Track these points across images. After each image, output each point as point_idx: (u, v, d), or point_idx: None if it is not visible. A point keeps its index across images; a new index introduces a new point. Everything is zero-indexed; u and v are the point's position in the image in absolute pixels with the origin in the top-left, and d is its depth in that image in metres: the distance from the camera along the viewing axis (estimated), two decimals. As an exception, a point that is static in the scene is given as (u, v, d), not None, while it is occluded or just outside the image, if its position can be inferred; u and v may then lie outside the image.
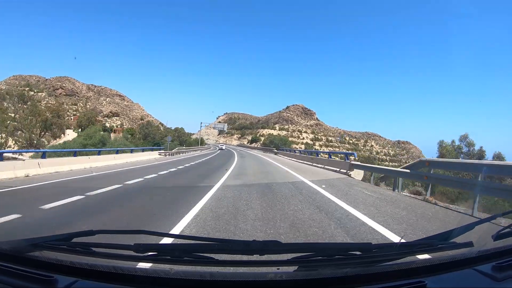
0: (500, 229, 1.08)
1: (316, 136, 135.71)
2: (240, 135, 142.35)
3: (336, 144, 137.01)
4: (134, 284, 0.89)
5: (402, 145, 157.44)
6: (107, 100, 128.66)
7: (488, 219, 1.24)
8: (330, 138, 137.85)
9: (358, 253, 1.00)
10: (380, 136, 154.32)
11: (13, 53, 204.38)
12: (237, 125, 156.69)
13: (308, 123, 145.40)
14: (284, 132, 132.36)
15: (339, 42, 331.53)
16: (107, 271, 0.91)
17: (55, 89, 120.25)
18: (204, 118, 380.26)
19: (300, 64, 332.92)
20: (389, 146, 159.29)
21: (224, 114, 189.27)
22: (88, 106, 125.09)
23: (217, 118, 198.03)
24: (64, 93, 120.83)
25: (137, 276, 0.91)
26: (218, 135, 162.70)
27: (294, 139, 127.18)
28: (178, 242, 1.18)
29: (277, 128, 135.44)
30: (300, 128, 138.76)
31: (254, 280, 0.92)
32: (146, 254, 0.96)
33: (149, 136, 63.61)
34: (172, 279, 0.89)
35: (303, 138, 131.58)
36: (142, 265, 1.14)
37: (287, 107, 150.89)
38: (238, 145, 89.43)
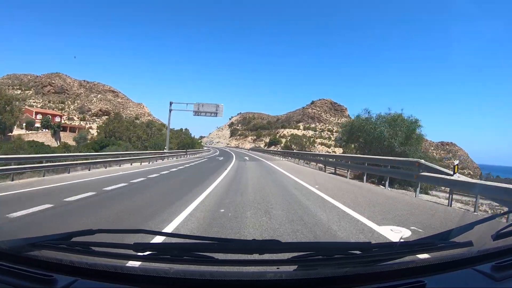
0: (500, 229, 1.09)
1: None
2: (255, 137, 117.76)
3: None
4: (134, 283, 0.90)
5: (447, 147, 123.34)
6: (98, 96, 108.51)
7: (487, 219, 1.25)
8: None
9: (357, 252, 1.01)
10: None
11: (8, 52, 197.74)
12: (252, 126, 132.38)
13: (339, 121, 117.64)
14: (310, 132, 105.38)
15: (367, 36, 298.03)
16: (107, 270, 0.92)
17: (43, 86, 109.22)
18: (218, 120, 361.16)
19: (325, 55, 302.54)
20: (432, 148, 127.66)
21: (238, 114, 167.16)
22: (76, 104, 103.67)
23: (230, 119, 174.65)
24: (53, 91, 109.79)
25: (136, 275, 0.92)
26: (230, 137, 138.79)
27: (324, 141, 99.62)
28: (178, 241, 1.21)
29: (301, 127, 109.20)
30: (330, 126, 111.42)
31: (254, 279, 0.93)
32: (145, 253, 0.97)
33: (114, 135, 40.49)
34: (172, 278, 0.89)
35: (335, 139, 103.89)
36: (142, 264, 1.17)
37: (312, 102, 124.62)
38: (252, 149, 65.22)
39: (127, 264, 1.01)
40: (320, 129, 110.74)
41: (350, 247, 1.13)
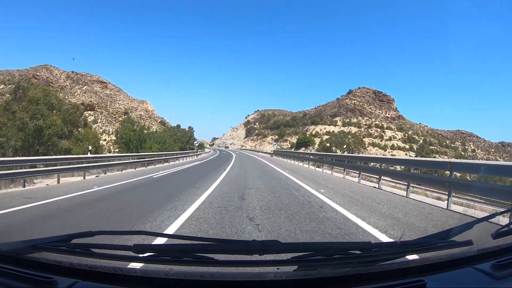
0: (500, 228, 1.10)
1: (407, 134, 78.86)
2: (277, 136, 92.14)
3: (438, 149, 79.93)
4: (134, 285, 0.92)
5: (508, 148, 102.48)
6: (84, 88, 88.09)
7: (487, 218, 1.27)
8: (428, 139, 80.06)
9: (357, 252, 1.02)
10: (477, 136, 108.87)
11: (6, 49, 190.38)
12: (272, 123, 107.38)
13: (387, 115, 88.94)
14: (353, 129, 77.16)
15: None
16: (107, 272, 0.93)
17: (27, 79, 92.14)
18: (232, 120, 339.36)
19: (358, 39, 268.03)
20: (492, 150, 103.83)
21: (255, 112, 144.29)
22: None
23: (246, 117, 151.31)
24: (37, 84, 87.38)
25: (137, 277, 0.93)
26: (246, 137, 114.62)
27: (376, 141, 71.33)
28: (177, 242, 1.22)
29: (339, 122, 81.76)
30: (377, 121, 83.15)
31: (254, 280, 0.94)
32: (145, 254, 0.98)
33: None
34: (172, 279, 0.90)
35: (390, 139, 75.74)
36: (142, 265, 1.18)
37: (350, 92, 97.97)
38: (278, 153, 37.53)
39: (127, 266, 1.02)
40: (366, 124, 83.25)
41: (350, 247, 1.14)
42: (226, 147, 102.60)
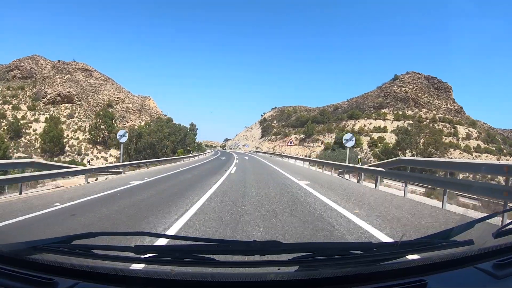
0: (501, 227, 1.12)
1: (481, 134, 56.93)
2: (303, 135, 72.17)
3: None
4: (135, 285, 0.93)
5: None
6: (65, 77, 71.38)
7: (488, 217, 1.29)
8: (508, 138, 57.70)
9: (358, 252, 1.04)
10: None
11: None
12: (295, 120, 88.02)
13: (449, 106, 66.74)
14: (412, 124, 55.57)
15: None
16: (108, 273, 0.94)
17: (10, 70, 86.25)
18: (246, 120, 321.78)
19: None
20: None
21: (273, 109, 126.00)
22: (33, 89, 76.92)
23: (261, 115, 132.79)
24: (20, 75, 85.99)
25: (138, 278, 0.95)
26: (261, 138, 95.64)
27: (451, 141, 49.48)
28: (178, 243, 1.25)
29: (389, 116, 60.54)
30: (440, 114, 61.36)
31: (255, 280, 0.95)
32: (146, 255, 0.99)
33: None
34: (173, 280, 0.91)
35: (467, 137, 54.17)
36: (143, 266, 1.20)
37: (396, 78, 75.87)
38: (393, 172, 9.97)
39: (128, 267, 1.04)
40: (427, 118, 62.17)
41: (351, 247, 1.15)
42: (224, 148, 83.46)
